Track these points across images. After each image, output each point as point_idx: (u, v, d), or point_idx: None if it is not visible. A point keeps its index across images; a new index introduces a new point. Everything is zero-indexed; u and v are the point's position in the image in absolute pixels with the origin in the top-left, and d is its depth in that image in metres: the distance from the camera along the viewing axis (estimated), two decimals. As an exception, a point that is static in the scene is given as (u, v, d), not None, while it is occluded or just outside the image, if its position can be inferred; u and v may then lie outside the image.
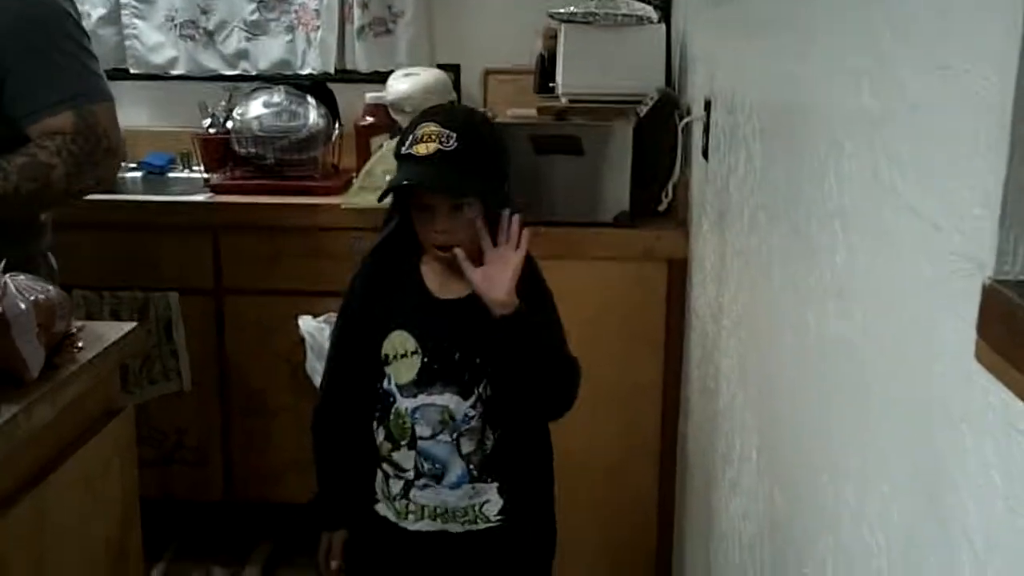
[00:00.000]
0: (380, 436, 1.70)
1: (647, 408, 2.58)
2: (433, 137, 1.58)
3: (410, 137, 1.61)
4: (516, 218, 1.63)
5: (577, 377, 1.69)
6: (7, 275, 1.52)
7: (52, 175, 1.89)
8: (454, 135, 1.58)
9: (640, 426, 2.59)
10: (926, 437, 0.79)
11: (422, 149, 1.57)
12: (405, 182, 1.59)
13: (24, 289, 1.53)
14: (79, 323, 1.70)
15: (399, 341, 1.66)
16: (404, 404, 1.66)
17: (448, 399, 1.64)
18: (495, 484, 1.68)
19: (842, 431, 1.04)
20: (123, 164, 2.08)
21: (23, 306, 1.50)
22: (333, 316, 1.99)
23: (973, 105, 0.70)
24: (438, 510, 1.68)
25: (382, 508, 1.72)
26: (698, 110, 2.28)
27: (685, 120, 2.44)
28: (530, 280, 1.66)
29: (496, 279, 1.59)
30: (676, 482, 2.57)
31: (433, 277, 1.69)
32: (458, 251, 1.60)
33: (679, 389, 2.53)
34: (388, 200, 1.69)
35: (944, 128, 0.77)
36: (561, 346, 1.70)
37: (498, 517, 1.69)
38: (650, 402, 2.57)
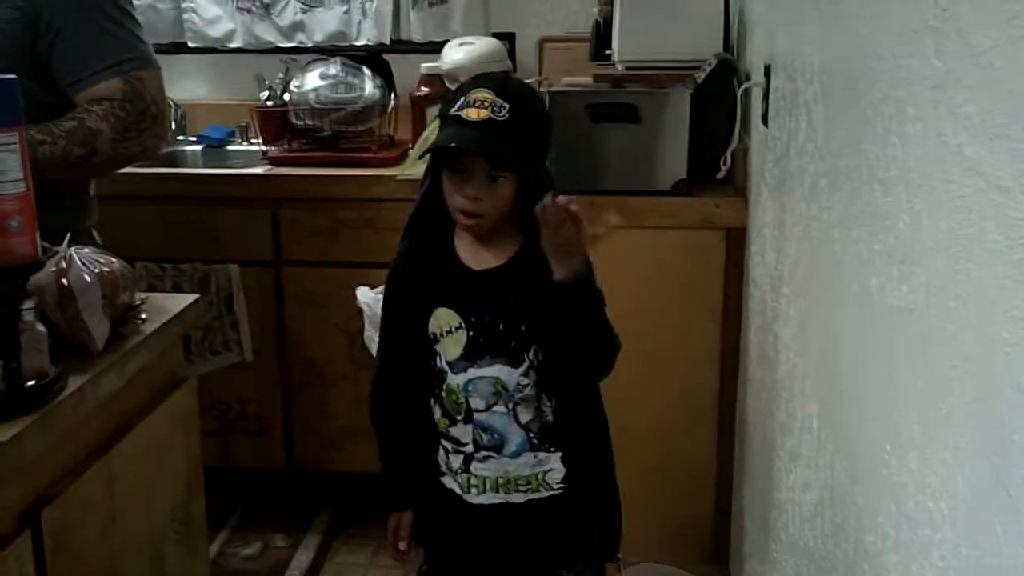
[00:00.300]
0: (437, 413, 1.70)
1: (705, 377, 2.56)
2: (486, 104, 1.56)
3: (461, 99, 1.60)
4: (555, 198, 1.53)
5: (616, 345, 1.67)
6: (72, 248, 1.55)
7: (99, 140, 1.90)
8: (507, 106, 1.56)
9: (698, 395, 2.58)
10: (991, 404, 0.78)
11: (473, 114, 1.56)
12: (452, 144, 1.58)
13: (89, 262, 1.56)
14: (142, 295, 1.73)
15: (444, 318, 1.66)
16: (455, 380, 1.66)
17: (499, 370, 1.64)
18: (558, 453, 1.68)
19: (905, 399, 1.02)
20: (170, 135, 2.09)
21: (88, 279, 1.53)
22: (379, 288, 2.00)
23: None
24: (500, 481, 1.68)
25: (448, 481, 1.73)
26: (757, 75, 2.24)
27: (744, 86, 2.40)
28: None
29: (565, 251, 1.56)
30: (734, 451, 2.56)
31: (467, 249, 1.68)
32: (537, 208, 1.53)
33: (737, 358, 2.51)
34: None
35: (1013, 87, 0.75)
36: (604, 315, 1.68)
37: (560, 485, 1.70)
38: (708, 371, 2.56)
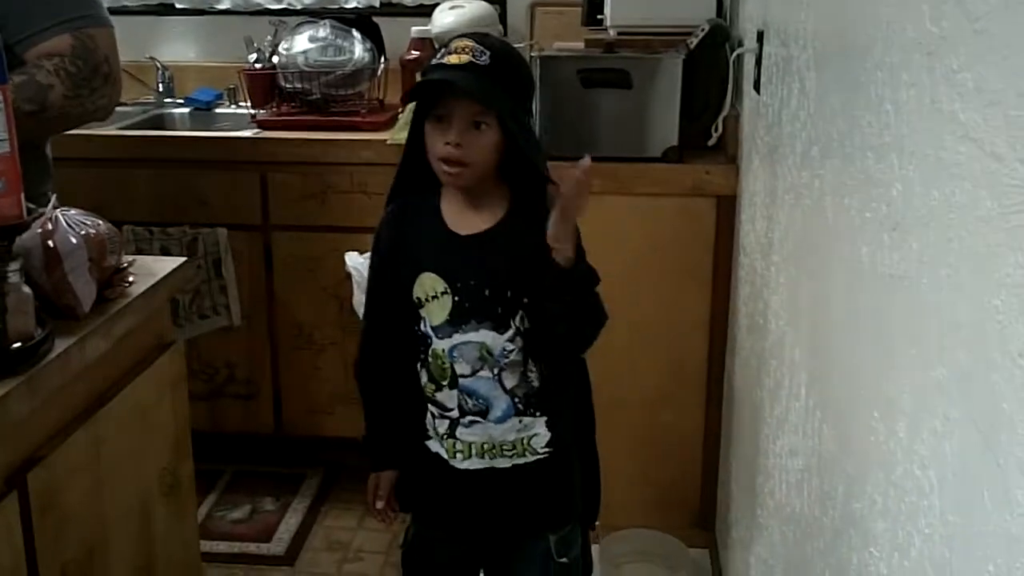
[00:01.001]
0: (424, 378, 1.70)
1: (694, 344, 2.57)
2: (467, 50, 1.57)
3: (443, 50, 1.61)
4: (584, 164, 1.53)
5: (603, 318, 1.66)
6: (58, 209, 1.54)
7: (50, 96, 1.85)
8: (488, 52, 1.57)
9: (686, 362, 2.58)
10: (982, 373, 0.78)
11: (454, 59, 1.57)
12: (435, 77, 1.57)
13: (75, 224, 1.55)
14: (129, 258, 1.72)
15: (429, 283, 1.65)
16: (440, 345, 1.65)
17: (484, 335, 1.64)
18: (543, 418, 1.69)
19: (895, 367, 1.02)
20: (120, 97, 2.04)
21: (75, 241, 1.52)
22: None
23: (1041, 29, 0.68)
24: (485, 446, 1.68)
25: (434, 445, 1.73)
26: (750, 42, 2.23)
27: (736, 52, 2.39)
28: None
29: (572, 228, 1.56)
30: (722, 418, 2.57)
31: (453, 213, 1.67)
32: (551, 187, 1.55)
33: (726, 325, 2.51)
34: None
35: (1008, 53, 0.74)
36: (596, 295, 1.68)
37: (545, 449, 1.70)
38: (697, 338, 2.56)
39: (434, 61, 1.61)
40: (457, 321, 1.64)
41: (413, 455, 1.76)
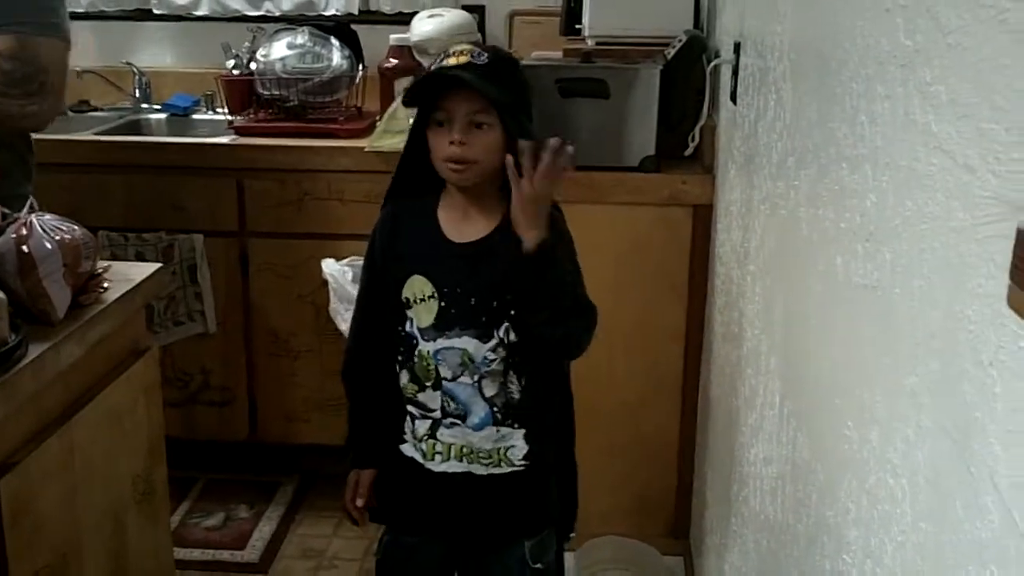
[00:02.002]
0: (404, 378, 1.70)
1: (669, 353, 2.58)
2: (466, 52, 1.60)
3: (440, 57, 1.64)
4: (555, 144, 1.53)
5: (593, 321, 1.67)
6: (33, 214, 1.53)
7: None
8: (486, 54, 1.60)
9: (662, 370, 2.59)
10: (954, 382, 0.78)
11: (452, 60, 1.60)
12: (433, 70, 1.61)
13: (50, 229, 1.54)
14: (104, 263, 1.71)
15: (418, 285, 1.67)
16: (427, 347, 1.67)
17: (467, 342, 1.65)
18: (522, 431, 1.69)
19: (868, 376, 1.03)
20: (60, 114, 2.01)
21: (50, 246, 1.51)
22: (356, 259, 2.00)
23: (1013, 42, 0.69)
24: (464, 450, 1.69)
25: (408, 449, 1.73)
26: (727, 53, 2.24)
27: (713, 63, 2.41)
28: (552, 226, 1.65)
29: (539, 210, 1.55)
30: (697, 426, 2.58)
31: (449, 221, 1.69)
32: (508, 159, 1.53)
33: (702, 335, 2.53)
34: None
35: (981, 66, 0.75)
36: (580, 288, 1.69)
37: (522, 462, 1.70)
38: (672, 347, 2.57)
39: (432, 67, 1.64)
40: (442, 326, 1.65)
41: (388, 460, 1.76)
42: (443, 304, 1.65)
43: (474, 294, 1.65)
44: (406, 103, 1.68)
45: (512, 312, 1.64)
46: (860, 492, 1.04)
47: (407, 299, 1.68)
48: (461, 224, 1.69)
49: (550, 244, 1.56)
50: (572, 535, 1.89)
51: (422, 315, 1.67)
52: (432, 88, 1.61)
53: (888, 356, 0.97)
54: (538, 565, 1.77)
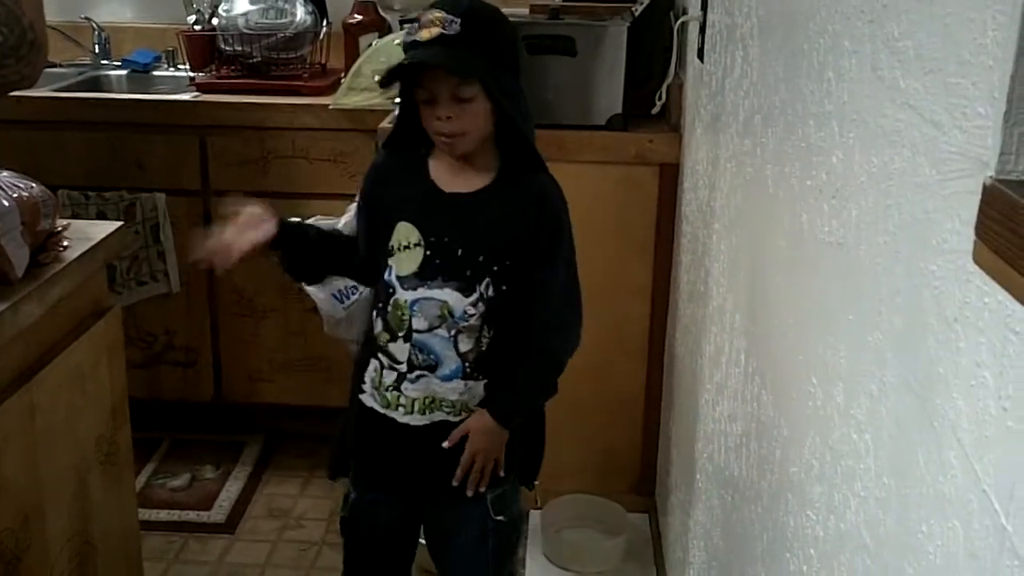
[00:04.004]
0: (379, 326, 1.69)
1: (635, 312, 2.58)
2: (436, 22, 1.57)
3: (416, 23, 1.61)
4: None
5: (579, 317, 1.77)
6: (-11, 171, 1.50)
7: None
8: (458, 20, 1.56)
9: (628, 330, 2.59)
10: (918, 338, 0.79)
11: (425, 34, 1.57)
12: (405, 63, 1.59)
13: (7, 186, 1.51)
14: (64, 222, 1.68)
15: (404, 232, 1.67)
16: (404, 296, 1.66)
17: (448, 294, 1.64)
18: (484, 381, 1.70)
19: (833, 333, 1.03)
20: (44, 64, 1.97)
21: (6, 203, 1.49)
22: (321, 218, 1.98)
23: (981, -3, 0.68)
24: (427, 401, 1.69)
25: (367, 399, 1.73)
26: (694, 9, 2.23)
27: (681, 20, 2.39)
28: (552, 225, 1.69)
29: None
30: (663, 385, 2.59)
31: (441, 171, 1.69)
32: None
33: (668, 293, 2.53)
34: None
35: (948, 20, 0.75)
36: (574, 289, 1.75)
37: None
38: (638, 306, 2.58)
39: (407, 38, 1.62)
40: (425, 275, 1.65)
41: (348, 411, 1.75)
42: (428, 253, 1.65)
43: (461, 245, 1.64)
44: (383, 86, 1.66)
45: (495, 268, 1.64)
46: (824, 448, 1.05)
47: (391, 246, 1.67)
48: (453, 176, 1.69)
49: (509, 415, 1.71)
50: (536, 482, 1.89)
51: (404, 263, 1.66)
52: (410, 69, 1.60)
53: (852, 313, 0.97)
54: (500, 517, 1.78)
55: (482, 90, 1.59)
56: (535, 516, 2.55)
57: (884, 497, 0.86)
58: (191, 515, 2.77)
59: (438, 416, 1.70)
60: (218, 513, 2.77)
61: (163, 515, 2.75)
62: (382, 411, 1.71)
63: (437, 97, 1.59)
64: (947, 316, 0.73)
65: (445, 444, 1.68)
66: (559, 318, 1.73)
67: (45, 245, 1.59)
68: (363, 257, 1.76)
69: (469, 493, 1.71)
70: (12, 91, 1.91)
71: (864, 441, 0.92)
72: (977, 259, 0.68)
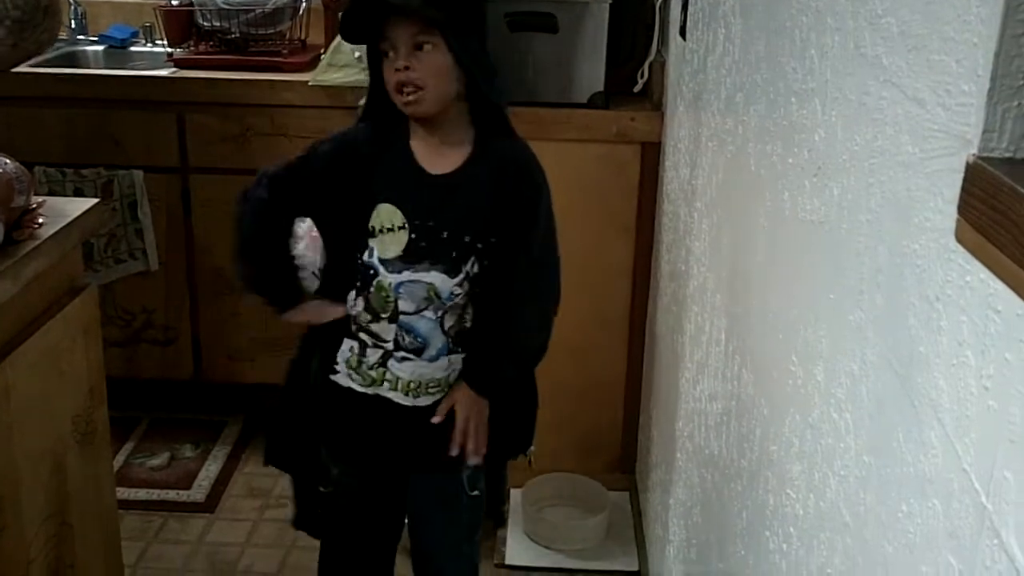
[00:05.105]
0: (359, 307, 1.66)
1: (616, 291, 2.58)
2: None
3: None
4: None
5: (557, 282, 1.77)
6: (-38, 147, 1.48)
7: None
8: None
9: (609, 308, 2.59)
10: (900, 317, 0.79)
11: None
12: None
13: (-20, 162, 1.49)
14: (39, 199, 1.66)
15: (386, 215, 1.62)
16: (388, 279, 1.63)
17: (435, 277, 1.62)
18: (463, 354, 1.69)
19: (814, 311, 1.03)
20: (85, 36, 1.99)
21: (-21, 179, 1.46)
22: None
23: (966, -27, 0.68)
24: (412, 384, 1.67)
25: (342, 379, 1.71)
26: (676, -13, 2.22)
27: (662, -2, 2.38)
28: (530, 195, 1.68)
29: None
30: (644, 364, 2.60)
31: (422, 150, 1.64)
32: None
33: (649, 272, 2.53)
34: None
35: (933, -2, 0.75)
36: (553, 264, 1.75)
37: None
38: (619, 285, 2.57)
39: None
40: (410, 259, 1.62)
41: (322, 393, 1.74)
42: (413, 236, 1.61)
43: (446, 227, 1.61)
44: (345, 36, 1.62)
45: (480, 246, 1.63)
46: (804, 427, 1.05)
47: (372, 228, 1.63)
48: (434, 154, 1.64)
49: (486, 384, 1.71)
50: (532, 448, 1.88)
51: (388, 246, 1.62)
52: (371, 17, 1.55)
53: (834, 291, 0.97)
54: (475, 492, 1.80)
55: (443, 41, 1.55)
56: (516, 495, 2.56)
57: (864, 476, 0.86)
58: (171, 494, 2.75)
59: (424, 401, 1.69)
60: (198, 492, 2.76)
61: (142, 494, 2.73)
62: (362, 390, 1.70)
63: (396, 45, 1.54)
64: (929, 295, 0.73)
65: (435, 419, 1.67)
66: (534, 284, 1.72)
67: (20, 222, 1.57)
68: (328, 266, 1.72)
69: (471, 462, 1.71)
70: (31, 58, 1.91)
71: (844, 420, 0.92)
72: (960, 237, 0.67)
